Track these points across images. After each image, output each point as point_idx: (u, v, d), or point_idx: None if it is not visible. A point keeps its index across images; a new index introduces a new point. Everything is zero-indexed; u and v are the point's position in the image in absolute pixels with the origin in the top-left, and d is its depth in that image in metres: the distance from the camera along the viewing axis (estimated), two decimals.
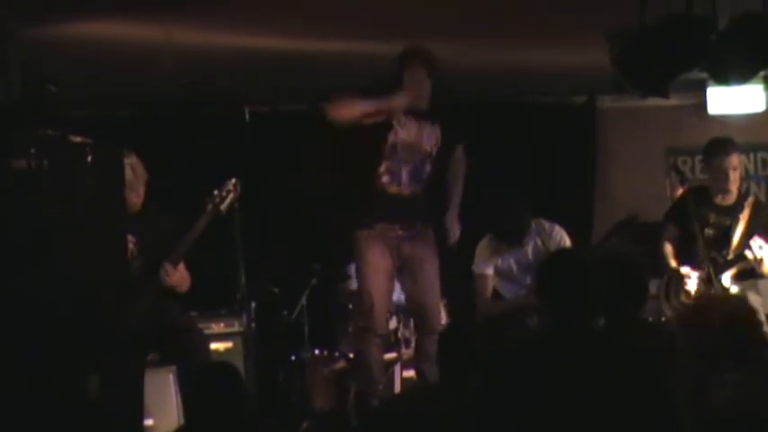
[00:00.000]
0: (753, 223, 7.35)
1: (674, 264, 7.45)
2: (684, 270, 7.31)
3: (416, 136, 7.19)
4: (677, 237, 7.53)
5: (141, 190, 6.95)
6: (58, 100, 5.43)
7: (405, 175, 7.18)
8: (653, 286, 6.54)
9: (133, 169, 6.85)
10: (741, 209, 7.38)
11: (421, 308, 7.35)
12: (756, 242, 7.20)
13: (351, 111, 7.03)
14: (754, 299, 7.29)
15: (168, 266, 6.79)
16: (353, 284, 7.90)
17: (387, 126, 7.11)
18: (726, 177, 7.39)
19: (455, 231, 7.24)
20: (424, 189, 7.26)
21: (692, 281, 7.27)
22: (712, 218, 7.40)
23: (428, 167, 7.24)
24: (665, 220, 7.71)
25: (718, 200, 7.48)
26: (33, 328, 5.01)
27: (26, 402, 4.97)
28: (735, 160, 7.46)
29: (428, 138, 7.22)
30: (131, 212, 6.70)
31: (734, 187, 7.47)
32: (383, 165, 7.15)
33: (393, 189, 7.18)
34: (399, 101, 7.07)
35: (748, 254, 7.22)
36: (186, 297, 7.03)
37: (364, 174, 7.20)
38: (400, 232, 7.22)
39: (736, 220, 7.35)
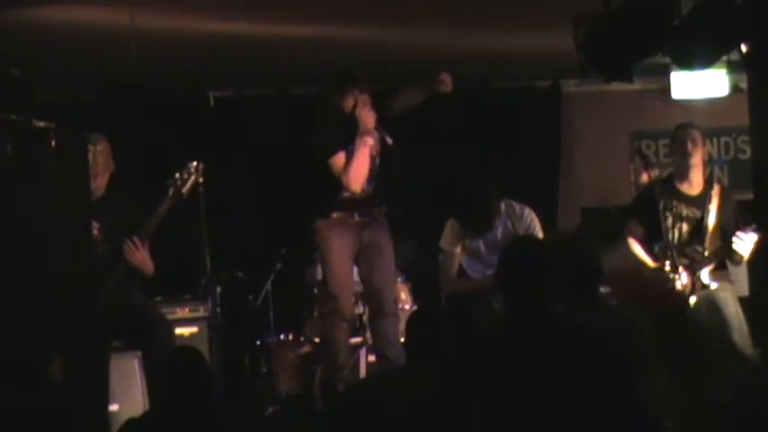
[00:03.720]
0: (723, 213, 7.25)
1: (653, 264, 7.21)
2: (668, 268, 7.12)
3: (370, 148, 7.36)
4: (642, 233, 7.32)
5: (107, 175, 6.94)
6: (22, 84, 5.40)
7: (365, 183, 7.36)
8: None
9: (100, 154, 6.84)
10: (709, 199, 7.30)
11: (378, 292, 7.45)
12: (740, 236, 7.08)
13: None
14: (727, 287, 7.30)
15: (135, 240, 6.79)
16: (319, 269, 7.95)
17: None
18: (687, 153, 7.25)
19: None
20: (377, 184, 7.43)
21: (680, 280, 7.12)
22: (683, 210, 7.27)
23: (378, 166, 7.41)
24: (629, 215, 7.52)
25: (685, 188, 7.32)
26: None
27: None
28: (697, 136, 7.36)
29: (375, 143, 7.36)
30: (96, 197, 6.68)
31: (699, 173, 7.31)
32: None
33: (354, 195, 7.35)
34: (367, 136, 7.25)
35: (737, 248, 7.06)
36: (151, 282, 7.02)
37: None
38: (358, 219, 7.39)
39: (707, 212, 7.26)
